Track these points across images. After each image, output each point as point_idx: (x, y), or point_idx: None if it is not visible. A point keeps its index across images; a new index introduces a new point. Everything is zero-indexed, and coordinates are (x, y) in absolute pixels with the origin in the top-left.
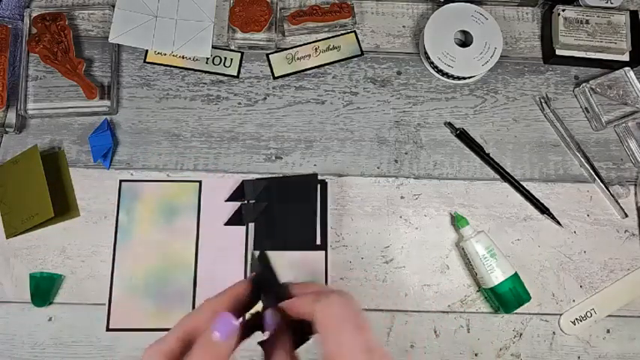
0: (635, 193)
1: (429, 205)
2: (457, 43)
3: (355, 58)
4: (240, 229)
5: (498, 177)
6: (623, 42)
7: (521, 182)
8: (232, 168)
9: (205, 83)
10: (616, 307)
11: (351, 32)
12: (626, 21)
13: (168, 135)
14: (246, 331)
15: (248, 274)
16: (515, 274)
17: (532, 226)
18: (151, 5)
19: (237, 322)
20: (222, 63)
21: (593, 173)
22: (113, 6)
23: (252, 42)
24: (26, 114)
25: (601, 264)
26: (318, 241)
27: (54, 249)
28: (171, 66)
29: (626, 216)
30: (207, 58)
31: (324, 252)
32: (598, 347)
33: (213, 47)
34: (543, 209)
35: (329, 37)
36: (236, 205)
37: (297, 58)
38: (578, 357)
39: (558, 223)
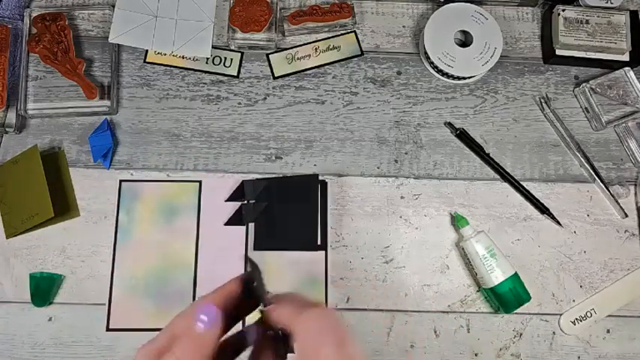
0: (635, 193)
1: (429, 205)
2: (457, 43)
3: (355, 58)
4: (240, 229)
5: (498, 177)
6: (623, 42)
7: (521, 182)
8: (232, 168)
9: (205, 83)
10: (616, 307)
11: (351, 32)
12: (626, 21)
13: (168, 135)
14: (230, 353)
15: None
16: (515, 274)
17: (532, 226)
18: (151, 5)
19: (219, 311)
20: (222, 63)
21: (593, 173)
22: (113, 6)
23: (252, 42)
24: (26, 114)
25: (601, 264)
26: (318, 241)
27: (54, 249)
28: (171, 66)
29: (626, 216)
30: (207, 58)
31: (324, 252)
32: (598, 347)
33: (213, 47)
34: (543, 209)
35: (329, 37)
36: (236, 205)
37: (297, 58)
38: (578, 357)
39: (558, 223)
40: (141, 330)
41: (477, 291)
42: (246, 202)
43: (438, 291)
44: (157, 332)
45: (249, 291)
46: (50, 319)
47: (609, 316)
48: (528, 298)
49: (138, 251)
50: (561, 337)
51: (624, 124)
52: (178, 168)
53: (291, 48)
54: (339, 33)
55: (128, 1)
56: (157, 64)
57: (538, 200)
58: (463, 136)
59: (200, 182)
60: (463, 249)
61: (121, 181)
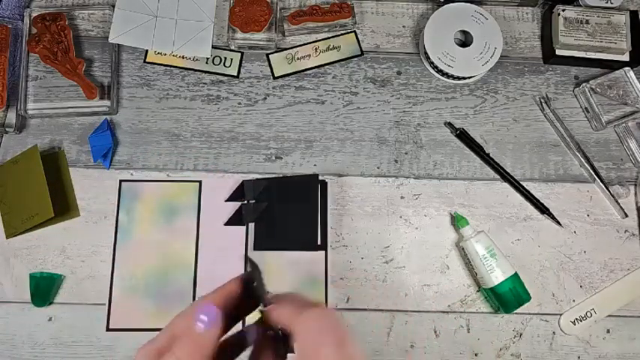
0: (635, 193)
1: (429, 205)
2: (457, 43)
3: (355, 58)
4: (240, 229)
5: (498, 177)
6: (623, 42)
7: (521, 182)
8: (232, 168)
9: (205, 83)
10: (616, 307)
11: (351, 32)
12: (626, 21)
13: (168, 135)
14: (230, 353)
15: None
16: (515, 274)
17: (532, 226)
18: (151, 5)
19: (219, 311)
20: (222, 63)
21: (593, 173)
22: (113, 6)
23: (252, 42)
24: (26, 114)
25: (601, 264)
26: (318, 241)
27: (54, 249)
28: (171, 66)
29: (626, 216)
30: (207, 58)
31: (324, 252)
32: (598, 347)
33: (213, 47)
34: (543, 209)
35: (329, 37)
36: (236, 205)
37: (297, 58)
38: (578, 357)
39: (558, 223)
40: (141, 330)
41: (477, 291)
42: (246, 202)
43: (438, 291)
44: (157, 332)
45: (249, 291)
46: (50, 319)
47: (609, 316)
48: (528, 298)
49: (138, 251)
50: (561, 337)
51: (624, 124)
52: (178, 168)
53: (291, 48)
54: (339, 33)
55: (128, 1)
56: (157, 64)
57: (538, 200)
58: (463, 136)
59: (200, 182)
60: (463, 249)
61: (121, 181)
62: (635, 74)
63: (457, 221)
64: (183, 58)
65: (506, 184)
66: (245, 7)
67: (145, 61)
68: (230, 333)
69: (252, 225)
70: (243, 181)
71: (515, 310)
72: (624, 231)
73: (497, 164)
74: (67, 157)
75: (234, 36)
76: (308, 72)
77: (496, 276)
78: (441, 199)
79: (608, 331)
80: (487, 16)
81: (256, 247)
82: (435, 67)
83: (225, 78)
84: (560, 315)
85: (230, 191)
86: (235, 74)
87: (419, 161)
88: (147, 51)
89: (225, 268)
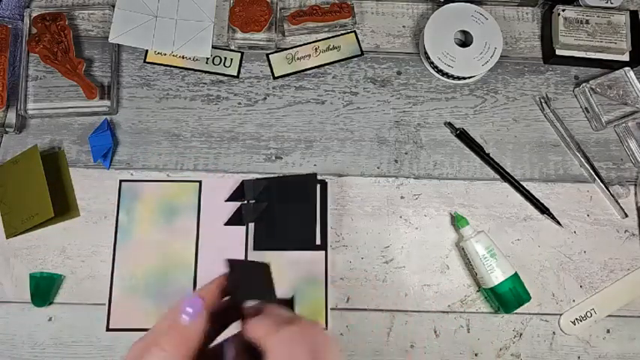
0: (635, 193)
1: (429, 205)
2: (457, 43)
3: (355, 58)
4: (240, 229)
5: (498, 177)
6: (623, 42)
7: (521, 182)
8: (232, 168)
9: (205, 83)
10: (616, 307)
11: (351, 32)
12: (626, 21)
13: (168, 135)
14: None
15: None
16: (515, 274)
17: (532, 226)
18: (151, 5)
19: (203, 302)
20: (222, 63)
21: (593, 173)
22: (113, 6)
23: (252, 42)
24: (26, 114)
25: (601, 264)
26: (318, 241)
27: (54, 249)
28: (171, 66)
29: (626, 216)
30: (207, 58)
31: (324, 252)
32: (598, 347)
33: (213, 47)
34: (543, 209)
35: (329, 37)
36: (236, 205)
37: (297, 58)
38: (578, 357)
39: (558, 223)
40: (141, 330)
41: (477, 291)
42: (246, 202)
43: (438, 291)
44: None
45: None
46: (50, 319)
47: (609, 316)
48: (528, 298)
49: (138, 251)
50: (561, 337)
51: (624, 124)
52: (178, 168)
53: (291, 48)
54: (339, 33)
55: (128, 1)
56: (157, 64)
57: (538, 200)
58: (463, 136)
59: (200, 182)
60: (463, 249)
61: (121, 181)
62: (635, 74)
63: (457, 221)
64: (183, 58)
65: (506, 184)
66: (245, 7)
67: (144, 61)
68: (214, 343)
69: (252, 225)
70: (243, 181)
71: (515, 310)
72: (624, 231)
73: (497, 164)
74: (67, 157)
75: (234, 36)
76: (308, 72)
77: (496, 276)
78: (441, 199)
79: (608, 331)
80: (487, 16)
81: (256, 247)
82: (435, 67)
83: (225, 78)
84: (560, 315)
85: (230, 191)
86: (235, 74)
87: (419, 161)
88: (147, 51)
89: (225, 268)
